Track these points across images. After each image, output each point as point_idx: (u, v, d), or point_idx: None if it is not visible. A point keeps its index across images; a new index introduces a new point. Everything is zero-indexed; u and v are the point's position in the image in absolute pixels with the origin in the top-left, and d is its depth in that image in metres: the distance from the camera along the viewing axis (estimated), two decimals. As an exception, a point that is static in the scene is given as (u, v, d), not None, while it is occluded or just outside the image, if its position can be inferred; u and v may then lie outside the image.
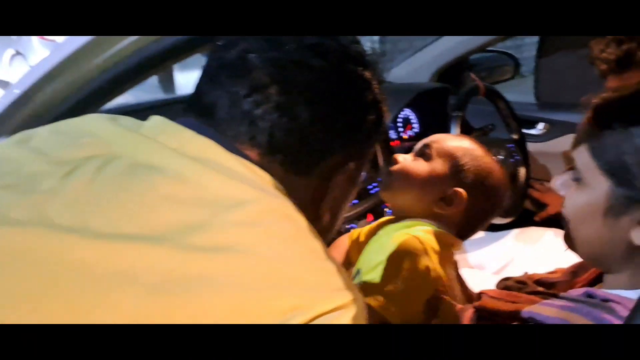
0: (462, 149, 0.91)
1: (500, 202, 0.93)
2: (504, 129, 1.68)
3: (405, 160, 0.93)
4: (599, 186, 0.61)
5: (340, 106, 0.55)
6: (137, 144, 0.50)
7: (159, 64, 0.72)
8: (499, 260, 1.47)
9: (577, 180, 0.64)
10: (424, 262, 0.78)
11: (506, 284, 0.75)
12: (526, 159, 1.61)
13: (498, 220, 1.46)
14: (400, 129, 1.72)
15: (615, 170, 0.59)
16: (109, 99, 0.76)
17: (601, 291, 0.61)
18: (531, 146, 1.70)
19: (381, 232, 0.92)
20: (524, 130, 1.76)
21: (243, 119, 0.52)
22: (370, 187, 1.42)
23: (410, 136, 1.75)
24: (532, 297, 0.67)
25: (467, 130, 1.76)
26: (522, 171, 1.59)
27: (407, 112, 1.74)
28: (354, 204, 1.35)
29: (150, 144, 0.50)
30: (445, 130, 1.47)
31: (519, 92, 1.98)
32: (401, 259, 0.79)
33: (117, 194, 0.45)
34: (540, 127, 1.82)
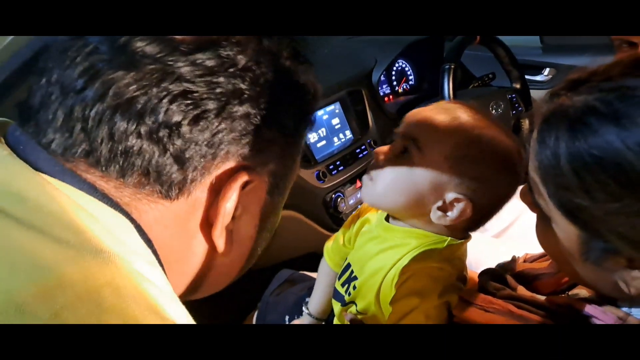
0: (463, 131, 0.66)
1: (517, 184, 0.69)
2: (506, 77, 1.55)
3: (385, 161, 0.71)
4: (565, 229, 0.50)
5: (210, 96, 0.38)
6: None
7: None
8: (502, 220, 1.39)
9: (540, 208, 0.53)
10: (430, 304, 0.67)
11: (483, 283, 0.67)
12: (529, 109, 1.49)
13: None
14: (395, 83, 1.60)
15: (577, 217, 0.48)
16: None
17: (594, 309, 0.52)
18: (537, 94, 1.58)
19: (375, 232, 0.77)
20: (530, 77, 1.64)
21: (73, 123, 0.37)
22: (358, 150, 1.32)
23: (405, 89, 1.64)
24: (508, 305, 0.58)
25: (467, 80, 1.64)
26: (525, 123, 1.48)
27: (402, 64, 1.62)
28: (340, 170, 1.26)
29: None
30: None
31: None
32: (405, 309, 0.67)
33: None
34: (546, 72, 1.68)
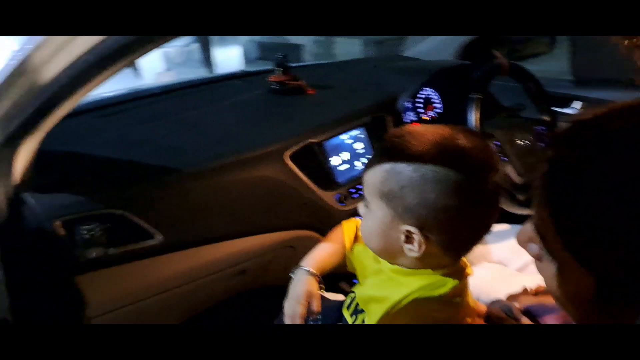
0: (383, 167, 0.68)
1: (474, 204, 0.66)
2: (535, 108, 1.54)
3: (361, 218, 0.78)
4: (582, 279, 0.47)
5: None
6: None
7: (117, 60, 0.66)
8: (522, 255, 1.36)
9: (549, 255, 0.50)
10: None
11: (490, 313, 0.66)
12: (557, 142, 1.47)
13: (520, 210, 1.35)
14: (421, 110, 1.61)
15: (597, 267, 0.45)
16: (74, 97, 0.72)
17: None
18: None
19: (381, 266, 0.79)
20: (559, 109, 1.62)
21: None
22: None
23: (432, 117, 1.65)
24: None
25: (495, 110, 1.64)
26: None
27: (428, 92, 1.63)
28: (361, 194, 1.27)
29: None
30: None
31: (557, 64, 1.81)
32: None
33: None
34: (577, 105, 1.66)
